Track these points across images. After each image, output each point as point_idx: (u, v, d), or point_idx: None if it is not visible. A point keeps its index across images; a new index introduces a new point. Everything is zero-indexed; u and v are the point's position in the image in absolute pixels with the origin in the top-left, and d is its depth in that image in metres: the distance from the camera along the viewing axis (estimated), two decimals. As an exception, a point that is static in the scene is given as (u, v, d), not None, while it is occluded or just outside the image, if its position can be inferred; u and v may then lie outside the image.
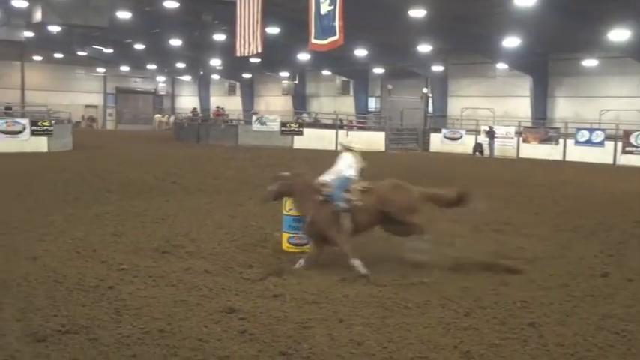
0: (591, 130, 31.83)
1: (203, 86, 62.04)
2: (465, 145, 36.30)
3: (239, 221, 10.87)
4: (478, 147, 35.13)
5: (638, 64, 31.12)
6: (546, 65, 36.19)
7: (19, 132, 26.89)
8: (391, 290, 7.28)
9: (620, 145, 30.39)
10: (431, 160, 30.38)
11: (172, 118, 56.34)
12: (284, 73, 50.15)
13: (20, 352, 5.22)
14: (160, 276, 7.56)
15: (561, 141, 32.74)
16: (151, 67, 57.56)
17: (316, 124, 40.28)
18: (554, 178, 22.17)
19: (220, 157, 23.59)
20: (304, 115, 44.91)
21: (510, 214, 13.31)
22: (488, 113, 37.89)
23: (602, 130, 31.70)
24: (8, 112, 31.76)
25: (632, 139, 30.00)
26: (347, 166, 8.59)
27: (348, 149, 8.78)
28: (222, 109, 49.53)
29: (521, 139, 34.43)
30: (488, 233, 11.01)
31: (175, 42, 41.42)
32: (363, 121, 43.14)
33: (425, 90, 42.46)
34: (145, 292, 6.94)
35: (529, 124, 35.68)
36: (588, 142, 31.51)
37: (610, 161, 30.16)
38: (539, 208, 14.34)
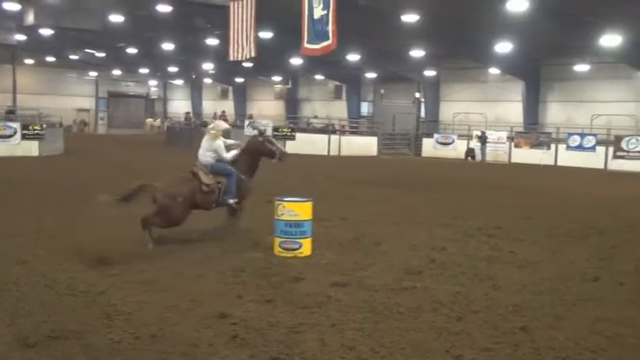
0: (583, 135, 31.96)
1: (195, 90, 62.04)
2: (457, 150, 36.41)
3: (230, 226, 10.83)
4: (470, 152, 35.23)
5: (629, 69, 31.25)
6: (539, 70, 36.29)
7: (10, 136, 26.78)
8: (383, 295, 7.27)
9: (611, 150, 30.53)
10: (422, 166, 30.44)
11: (165, 123, 56.29)
12: (277, 78, 50.17)
13: (10, 358, 5.18)
14: (152, 281, 7.53)
15: (553, 146, 32.89)
16: (144, 71, 57.52)
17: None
18: (546, 183, 22.25)
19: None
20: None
21: (502, 218, 13.33)
22: (481, 118, 37.99)
23: (594, 135, 31.84)
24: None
25: (623, 144, 30.13)
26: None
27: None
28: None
29: (513, 143, 34.59)
30: (480, 237, 11.03)
31: (168, 46, 41.39)
32: (356, 125, 43.19)
33: (417, 95, 42.53)
34: (136, 297, 6.89)
35: (521, 129, 35.77)
36: (580, 147, 31.63)
37: (601, 166, 30.30)
38: (531, 213, 14.37)
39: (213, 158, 10.12)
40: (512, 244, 10.54)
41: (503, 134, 35.15)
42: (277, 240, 9.16)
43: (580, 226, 12.52)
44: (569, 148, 32.05)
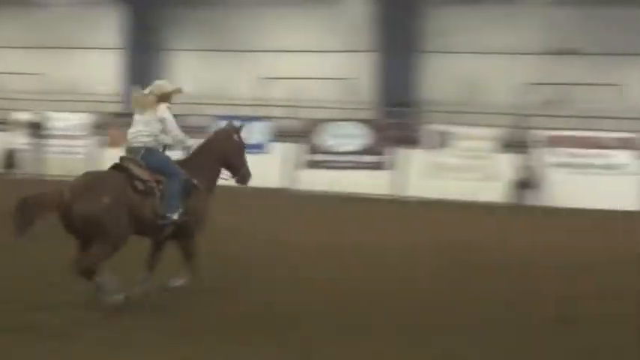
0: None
1: None
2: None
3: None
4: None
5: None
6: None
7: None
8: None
9: (296, 148, 32.21)
10: None
11: None
12: None
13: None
14: None
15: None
16: None
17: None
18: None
19: None
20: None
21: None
22: (39, 85, 38.56)
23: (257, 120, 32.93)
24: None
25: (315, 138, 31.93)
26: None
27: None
28: None
29: (106, 139, 34.55)
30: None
31: None
32: None
33: None
34: None
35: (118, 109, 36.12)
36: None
37: (275, 183, 31.02)
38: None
39: (154, 137, 11.49)
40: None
41: (80, 119, 35.56)
42: None
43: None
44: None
